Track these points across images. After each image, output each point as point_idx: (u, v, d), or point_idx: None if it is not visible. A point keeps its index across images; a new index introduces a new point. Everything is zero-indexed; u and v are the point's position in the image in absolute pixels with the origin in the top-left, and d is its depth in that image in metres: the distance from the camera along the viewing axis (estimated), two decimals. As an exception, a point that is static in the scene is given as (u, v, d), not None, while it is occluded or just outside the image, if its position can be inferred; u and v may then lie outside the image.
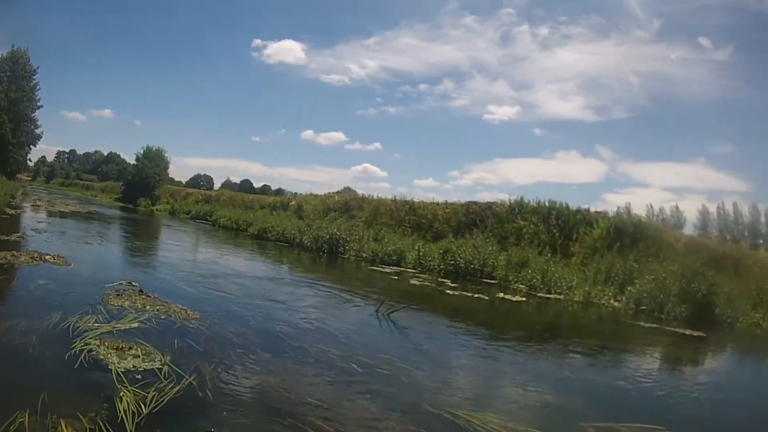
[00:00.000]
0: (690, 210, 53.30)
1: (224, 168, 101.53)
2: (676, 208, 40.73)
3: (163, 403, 3.45)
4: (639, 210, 40.30)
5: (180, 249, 14.64)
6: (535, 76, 72.17)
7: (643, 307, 12.72)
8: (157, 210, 39.55)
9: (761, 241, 35.66)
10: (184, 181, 59.46)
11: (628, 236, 17.12)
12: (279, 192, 45.24)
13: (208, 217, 30.44)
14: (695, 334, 10.29)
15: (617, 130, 66.81)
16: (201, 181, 60.98)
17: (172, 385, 3.78)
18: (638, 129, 66.45)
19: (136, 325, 5.19)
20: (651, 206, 40.01)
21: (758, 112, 55.42)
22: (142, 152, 50.63)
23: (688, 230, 32.62)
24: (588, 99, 76.81)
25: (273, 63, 76.89)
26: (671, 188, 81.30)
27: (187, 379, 3.93)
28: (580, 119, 65.95)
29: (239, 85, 79.97)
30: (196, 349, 4.82)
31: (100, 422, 3.08)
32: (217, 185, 57.94)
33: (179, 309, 6.16)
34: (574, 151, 77.06)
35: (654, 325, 10.97)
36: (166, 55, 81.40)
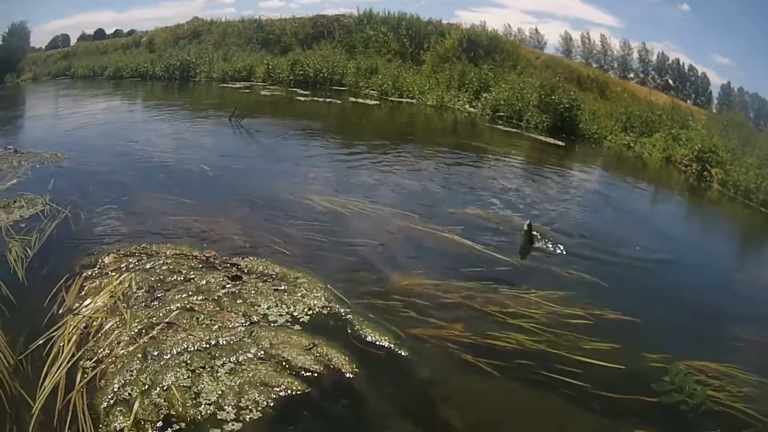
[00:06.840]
0: (552, 35, 51.03)
1: (78, 24, 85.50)
2: (536, 30, 41.60)
3: (44, 241, 3.64)
4: (495, 27, 40.85)
5: (43, 107, 13.81)
6: None
7: (501, 114, 12.57)
8: (21, 81, 35.93)
9: (632, 75, 39.13)
10: (44, 47, 52.56)
11: (482, 48, 16.61)
12: (131, 33, 41.06)
13: (67, 72, 29.49)
14: (557, 142, 10.24)
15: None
16: (59, 42, 54.55)
17: (51, 223, 3.97)
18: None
19: (15, 181, 5.34)
20: (509, 25, 40.45)
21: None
22: (7, 31, 43.14)
23: (550, 51, 32.65)
24: None
25: None
26: (531, 11, 77.78)
27: (63, 212, 4.14)
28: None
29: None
30: (69, 185, 5.08)
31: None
32: (73, 42, 52.11)
33: (50, 155, 6.45)
34: (426, -34, 69.90)
35: (514, 130, 11.07)
36: None
